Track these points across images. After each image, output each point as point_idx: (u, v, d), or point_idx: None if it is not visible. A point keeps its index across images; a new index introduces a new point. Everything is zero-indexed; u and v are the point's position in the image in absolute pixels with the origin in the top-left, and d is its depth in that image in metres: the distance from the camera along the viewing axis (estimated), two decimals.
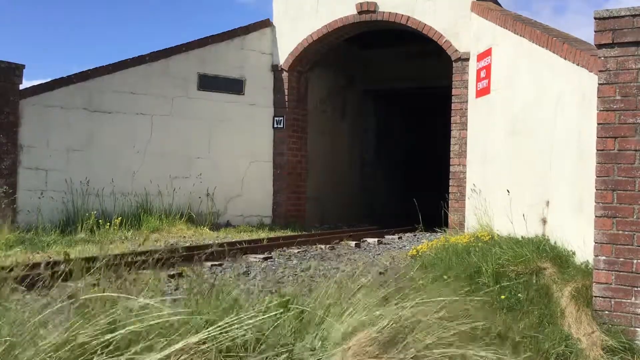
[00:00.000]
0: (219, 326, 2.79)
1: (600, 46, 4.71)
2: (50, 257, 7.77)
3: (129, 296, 2.94)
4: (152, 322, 2.77)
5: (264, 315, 3.06)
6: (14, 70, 10.60)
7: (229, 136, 13.22)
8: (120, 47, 51.91)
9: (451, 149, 11.68)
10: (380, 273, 5.01)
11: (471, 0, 11.55)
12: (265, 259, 8.41)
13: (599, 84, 4.71)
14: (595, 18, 4.71)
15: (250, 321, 2.88)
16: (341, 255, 8.94)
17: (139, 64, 12.20)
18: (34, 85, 11.16)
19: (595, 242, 4.68)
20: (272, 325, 3.09)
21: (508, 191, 8.45)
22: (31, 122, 10.89)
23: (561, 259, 5.97)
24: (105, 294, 3.00)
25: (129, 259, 3.90)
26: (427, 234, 11.52)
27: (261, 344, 2.95)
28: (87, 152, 11.59)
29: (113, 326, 2.77)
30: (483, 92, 10.44)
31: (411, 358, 2.87)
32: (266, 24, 13.81)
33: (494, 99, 9.88)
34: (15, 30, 48.49)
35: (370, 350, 2.79)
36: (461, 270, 5.91)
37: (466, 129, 11.34)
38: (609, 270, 4.60)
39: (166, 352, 2.58)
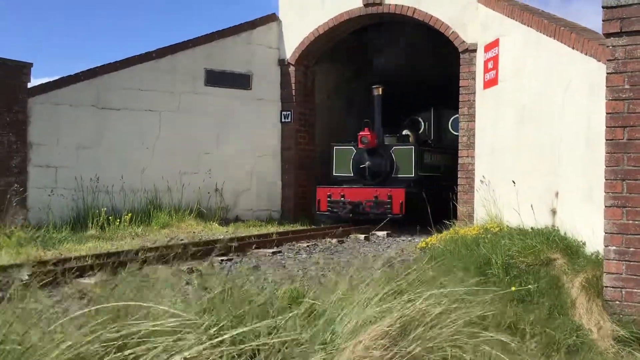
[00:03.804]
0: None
1: (608, 35, 4.68)
2: (62, 254, 7.83)
3: None
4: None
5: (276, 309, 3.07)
6: (22, 69, 10.65)
7: (236, 131, 13.22)
8: (127, 43, 52.00)
9: (459, 140, 11.64)
10: (389, 265, 5.01)
11: None
12: (275, 253, 8.43)
13: (607, 73, 4.68)
14: (603, 7, 4.67)
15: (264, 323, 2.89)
16: (351, 248, 8.95)
17: (146, 60, 12.22)
18: (42, 84, 11.21)
19: (605, 232, 4.66)
20: (283, 319, 3.10)
21: (516, 182, 8.43)
22: (40, 120, 10.94)
23: (571, 249, 5.96)
24: None
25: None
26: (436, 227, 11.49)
27: (273, 338, 2.97)
28: (97, 149, 11.64)
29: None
30: (491, 83, 10.40)
31: (422, 350, 2.87)
32: (272, 18, 13.78)
33: (502, 89, 9.83)
34: (22, 28, 48.68)
35: (381, 343, 2.80)
36: (471, 262, 5.91)
37: (474, 121, 11.30)
38: (619, 261, 4.57)
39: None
